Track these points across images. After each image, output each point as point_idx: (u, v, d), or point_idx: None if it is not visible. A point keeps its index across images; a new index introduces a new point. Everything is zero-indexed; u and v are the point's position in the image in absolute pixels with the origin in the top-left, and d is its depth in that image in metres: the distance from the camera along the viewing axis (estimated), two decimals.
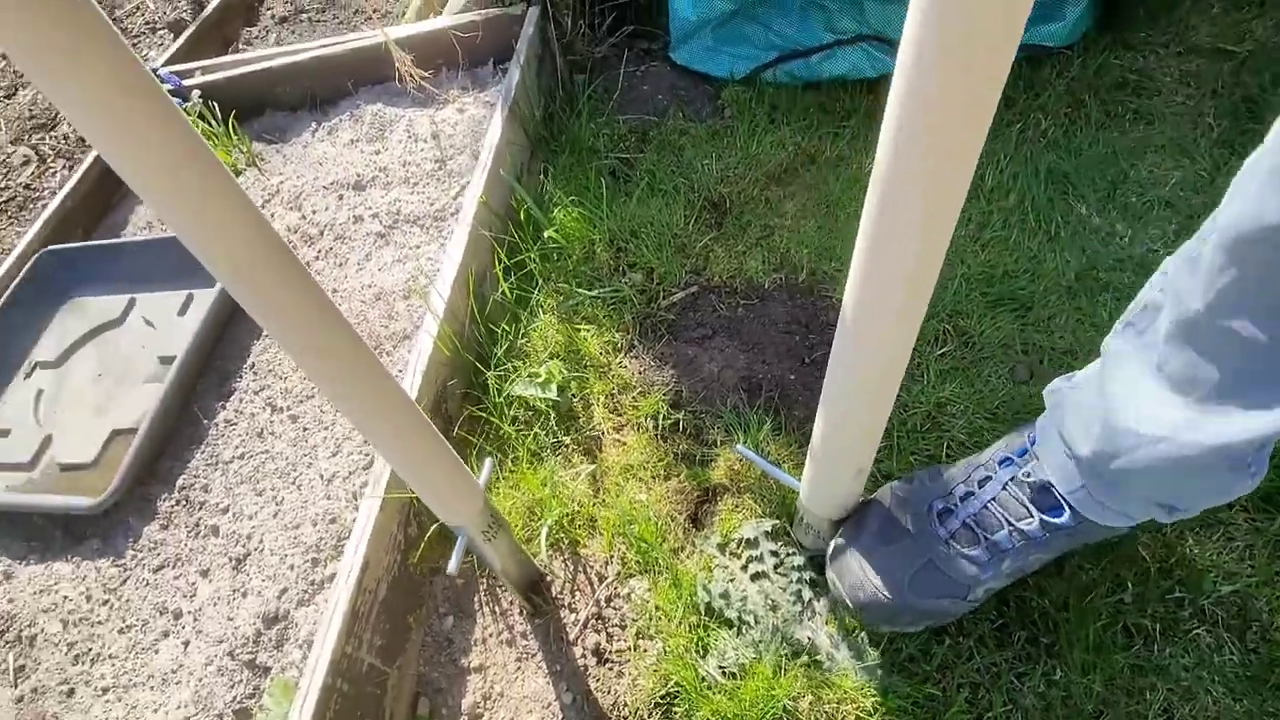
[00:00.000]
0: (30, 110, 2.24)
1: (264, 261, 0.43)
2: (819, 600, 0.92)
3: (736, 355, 1.20)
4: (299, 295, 0.46)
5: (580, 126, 1.51)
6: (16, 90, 2.35)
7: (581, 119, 1.52)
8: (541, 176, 1.46)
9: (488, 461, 0.76)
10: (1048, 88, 1.45)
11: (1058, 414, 0.73)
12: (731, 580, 0.94)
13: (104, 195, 1.74)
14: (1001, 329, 1.15)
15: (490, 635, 0.92)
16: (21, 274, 1.48)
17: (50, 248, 1.52)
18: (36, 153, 2.06)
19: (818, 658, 0.86)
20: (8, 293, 1.45)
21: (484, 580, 0.98)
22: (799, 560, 0.94)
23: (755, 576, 0.94)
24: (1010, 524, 0.75)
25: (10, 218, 1.92)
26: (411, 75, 1.53)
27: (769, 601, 0.92)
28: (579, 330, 1.21)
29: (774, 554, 0.95)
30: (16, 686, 0.98)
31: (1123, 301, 1.17)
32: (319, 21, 2.11)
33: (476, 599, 0.96)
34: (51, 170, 2.01)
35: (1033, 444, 0.77)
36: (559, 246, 1.30)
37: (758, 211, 1.39)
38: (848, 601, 0.83)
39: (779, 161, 1.45)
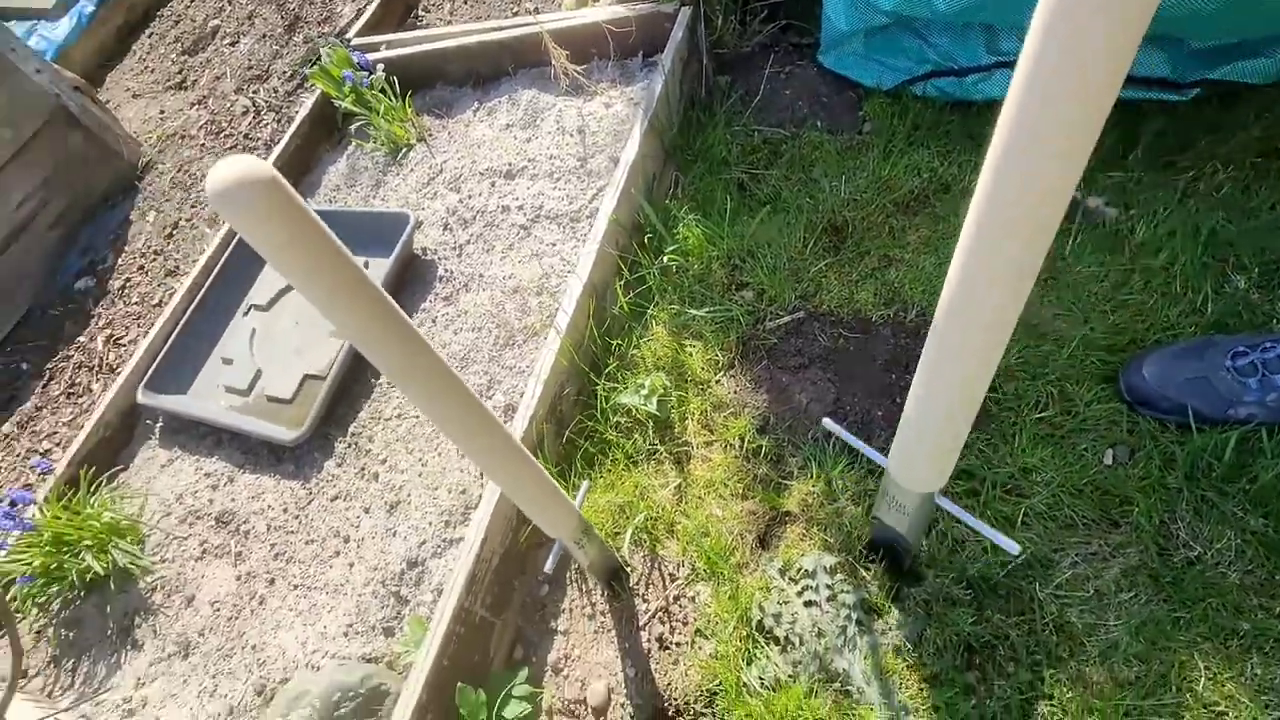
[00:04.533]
0: (249, 60, 2.59)
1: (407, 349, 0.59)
2: (862, 637, 1.02)
3: (828, 388, 1.27)
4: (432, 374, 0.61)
5: (715, 137, 1.56)
6: (240, 39, 2.71)
7: (718, 128, 1.57)
8: (671, 187, 1.54)
9: (584, 485, 0.93)
10: (1236, 133, 1.30)
11: None
12: (785, 603, 1.07)
13: (304, 156, 2.03)
14: (1112, 403, 1.13)
15: (576, 607, 1.12)
16: None
17: None
18: (254, 104, 2.41)
19: (849, 688, 0.97)
20: (234, 241, 1.79)
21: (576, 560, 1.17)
22: (852, 599, 1.04)
23: (808, 603, 1.06)
24: None
25: None
26: (566, 72, 1.64)
27: (816, 628, 1.04)
28: (685, 346, 1.33)
29: (829, 587, 1.06)
30: (236, 566, 1.32)
31: None
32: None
33: (568, 574, 1.15)
34: (264, 122, 2.35)
35: None
36: (678, 263, 1.40)
37: (879, 240, 1.41)
38: (1124, 392, 1.01)
39: (910, 188, 1.44)
